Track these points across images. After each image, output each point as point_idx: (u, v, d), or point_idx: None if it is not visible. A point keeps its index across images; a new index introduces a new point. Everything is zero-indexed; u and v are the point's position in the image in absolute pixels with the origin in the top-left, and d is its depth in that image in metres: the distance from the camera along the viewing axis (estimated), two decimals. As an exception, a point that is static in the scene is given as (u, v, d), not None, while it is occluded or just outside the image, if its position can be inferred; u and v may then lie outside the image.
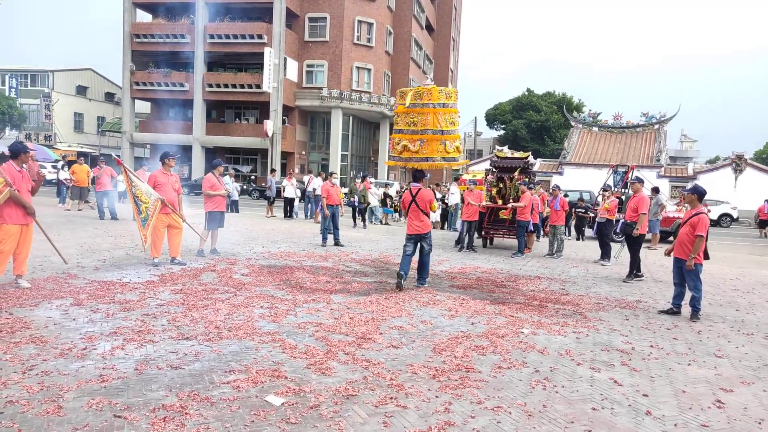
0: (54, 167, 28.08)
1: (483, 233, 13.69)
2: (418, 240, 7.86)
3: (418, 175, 8.13)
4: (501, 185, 13.66)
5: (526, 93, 62.13)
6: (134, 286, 6.72)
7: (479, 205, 12.42)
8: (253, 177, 39.34)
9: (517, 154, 14.50)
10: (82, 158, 18.50)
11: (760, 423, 3.68)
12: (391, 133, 43.48)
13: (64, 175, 18.02)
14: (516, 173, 13.30)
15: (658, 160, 37.41)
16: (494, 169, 14.08)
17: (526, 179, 13.18)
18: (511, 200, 12.98)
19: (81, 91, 50.33)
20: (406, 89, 9.00)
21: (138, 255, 8.91)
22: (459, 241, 12.79)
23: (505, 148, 14.43)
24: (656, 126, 40.80)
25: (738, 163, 35.63)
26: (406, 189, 8.35)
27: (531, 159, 14.45)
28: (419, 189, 7.87)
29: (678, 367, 4.79)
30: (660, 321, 6.50)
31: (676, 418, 3.69)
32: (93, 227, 12.74)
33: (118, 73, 40.40)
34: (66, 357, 4.16)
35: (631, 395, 4.05)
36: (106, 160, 15.87)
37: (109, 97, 53.13)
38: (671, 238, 16.50)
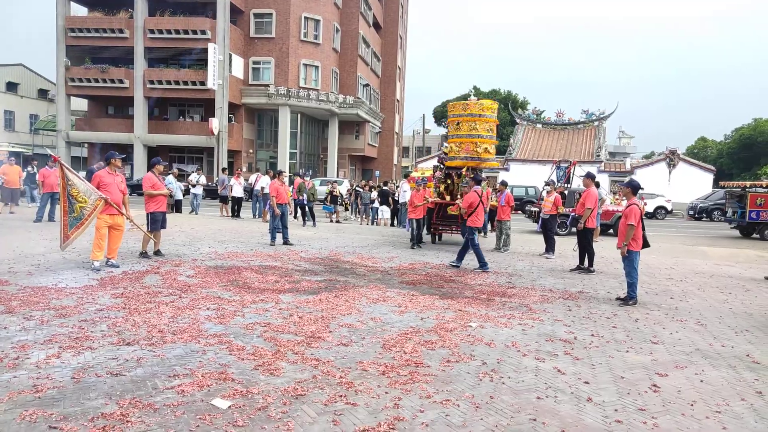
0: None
1: (432, 229, 13.81)
2: (479, 231, 10.19)
3: (478, 178, 10.42)
4: (449, 181, 13.75)
5: (473, 90, 63.20)
6: (71, 291, 6.42)
7: (427, 200, 12.61)
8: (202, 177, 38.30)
9: None
10: (13, 158, 17.54)
11: (692, 405, 3.88)
12: (347, 136, 43.06)
13: None
14: (464, 170, 13.44)
15: (598, 156, 38.88)
16: (442, 166, 14.11)
17: (471, 176, 13.28)
18: (459, 196, 13.10)
19: (11, 87, 47.64)
20: (455, 102, 12.96)
21: (75, 258, 8.53)
22: (413, 239, 12.66)
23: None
24: (596, 123, 42.39)
25: (671, 158, 37.49)
26: (473, 191, 9.97)
27: None
28: (483, 192, 10.04)
29: (617, 354, 4.99)
30: (600, 310, 6.75)
31: (615, 403, 3.85)
32: (26, 231, 12.11)
33: (52, 69, 38.49)
34: (-4, 368, 3.94)
35: (573, 383, 4.19)
36: (39, 161, 15.10)
37: (43, 93, 50.51)
38: (611, 231, 17.18)
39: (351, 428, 3.25)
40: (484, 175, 18.65)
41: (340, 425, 3.29)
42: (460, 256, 9.85)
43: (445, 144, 13.87)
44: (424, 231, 13.66)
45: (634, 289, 7.16)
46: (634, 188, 7.55)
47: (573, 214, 10.66)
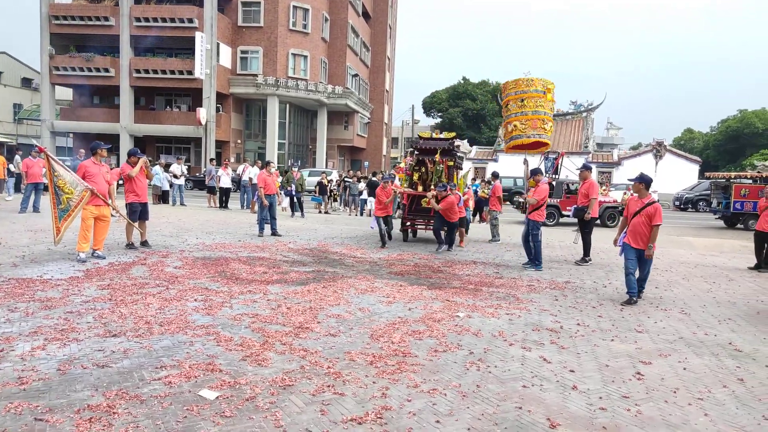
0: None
1: (405, 225, 12.33)
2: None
3: (539, 170, 9.99)
4: (423, 169, 12.01)
5: (462, 81, 63.20)
6: (56, 282, 6.37)
7: (395, 193, 11.74)
8: (186, 167, 38.01)
9: (441, 135, 12.49)
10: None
11: (675, 392, 3.94)
12: (336, 126, 42.18)
13: None
14: (437, 155, 11.80)
15: (586, 147, 39.09)
16: (416, 152, 12.31)
17: (445, 182, 11.36)
18: (432, 186, 11.45)
19: (-6, 76, 46.89)
20: (516, 79, 11.28)
21: (60, 250, 8.45)
22: (382, 238, 11.27)
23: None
24: (584, 114, 42.56)
25: (658, 150, 37.79)
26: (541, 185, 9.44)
27: (465, 144, 14.43)
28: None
29: (602, 343, 5.05)
30: (586, 300, 6.82)
31: (600, 391, 3.90)
32: (10, 222, 11.96)
33: (36, 57, 37.96)
34: (-20, 360, 3.90)
35: (559, 372, 4.24)
36: (23, 151, 14.91)
37: (26, 82, 49.67)
38: (597, 221, 17.26)
39: (339, 418, 3.27)
40: (471, 165, 18.56)
41: (328, 415, 3.30)
42: (537, 257, 9.13)
43: (434, 133, 13.60)
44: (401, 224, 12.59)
45: (645, 282, 7.09)
46: (647, 183, 7.03)
47: (576, 205, 10.45)
